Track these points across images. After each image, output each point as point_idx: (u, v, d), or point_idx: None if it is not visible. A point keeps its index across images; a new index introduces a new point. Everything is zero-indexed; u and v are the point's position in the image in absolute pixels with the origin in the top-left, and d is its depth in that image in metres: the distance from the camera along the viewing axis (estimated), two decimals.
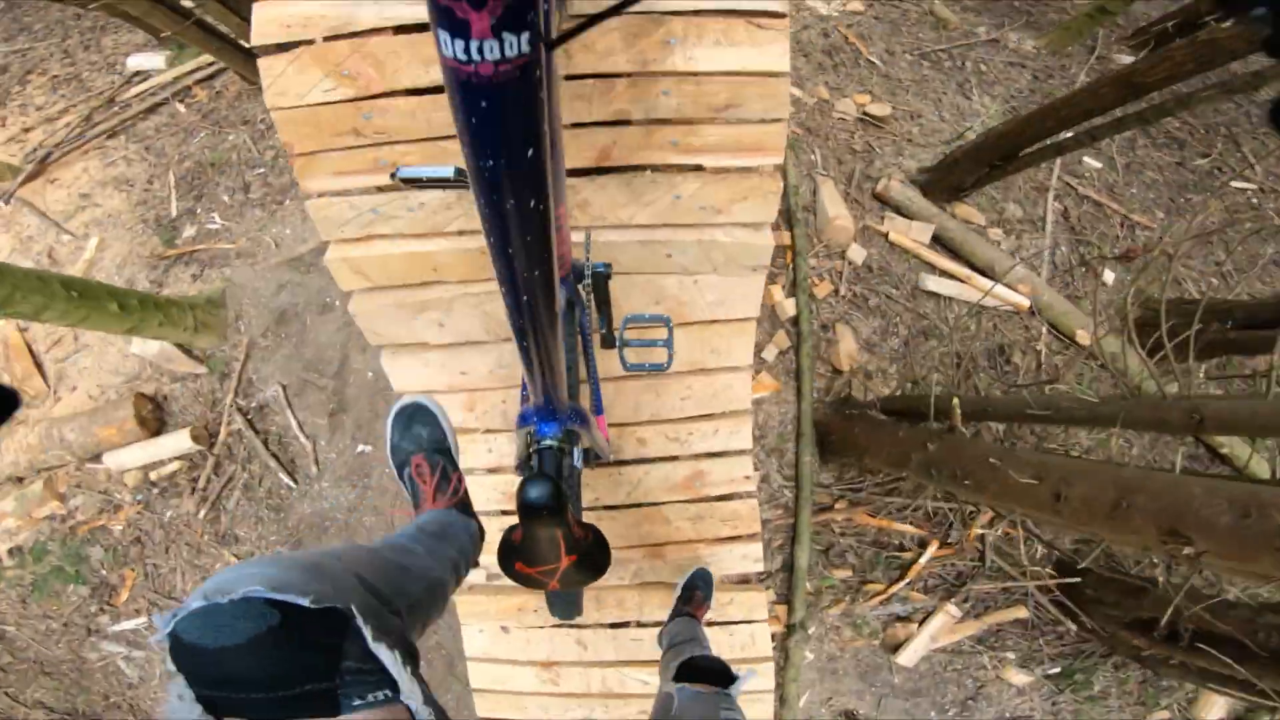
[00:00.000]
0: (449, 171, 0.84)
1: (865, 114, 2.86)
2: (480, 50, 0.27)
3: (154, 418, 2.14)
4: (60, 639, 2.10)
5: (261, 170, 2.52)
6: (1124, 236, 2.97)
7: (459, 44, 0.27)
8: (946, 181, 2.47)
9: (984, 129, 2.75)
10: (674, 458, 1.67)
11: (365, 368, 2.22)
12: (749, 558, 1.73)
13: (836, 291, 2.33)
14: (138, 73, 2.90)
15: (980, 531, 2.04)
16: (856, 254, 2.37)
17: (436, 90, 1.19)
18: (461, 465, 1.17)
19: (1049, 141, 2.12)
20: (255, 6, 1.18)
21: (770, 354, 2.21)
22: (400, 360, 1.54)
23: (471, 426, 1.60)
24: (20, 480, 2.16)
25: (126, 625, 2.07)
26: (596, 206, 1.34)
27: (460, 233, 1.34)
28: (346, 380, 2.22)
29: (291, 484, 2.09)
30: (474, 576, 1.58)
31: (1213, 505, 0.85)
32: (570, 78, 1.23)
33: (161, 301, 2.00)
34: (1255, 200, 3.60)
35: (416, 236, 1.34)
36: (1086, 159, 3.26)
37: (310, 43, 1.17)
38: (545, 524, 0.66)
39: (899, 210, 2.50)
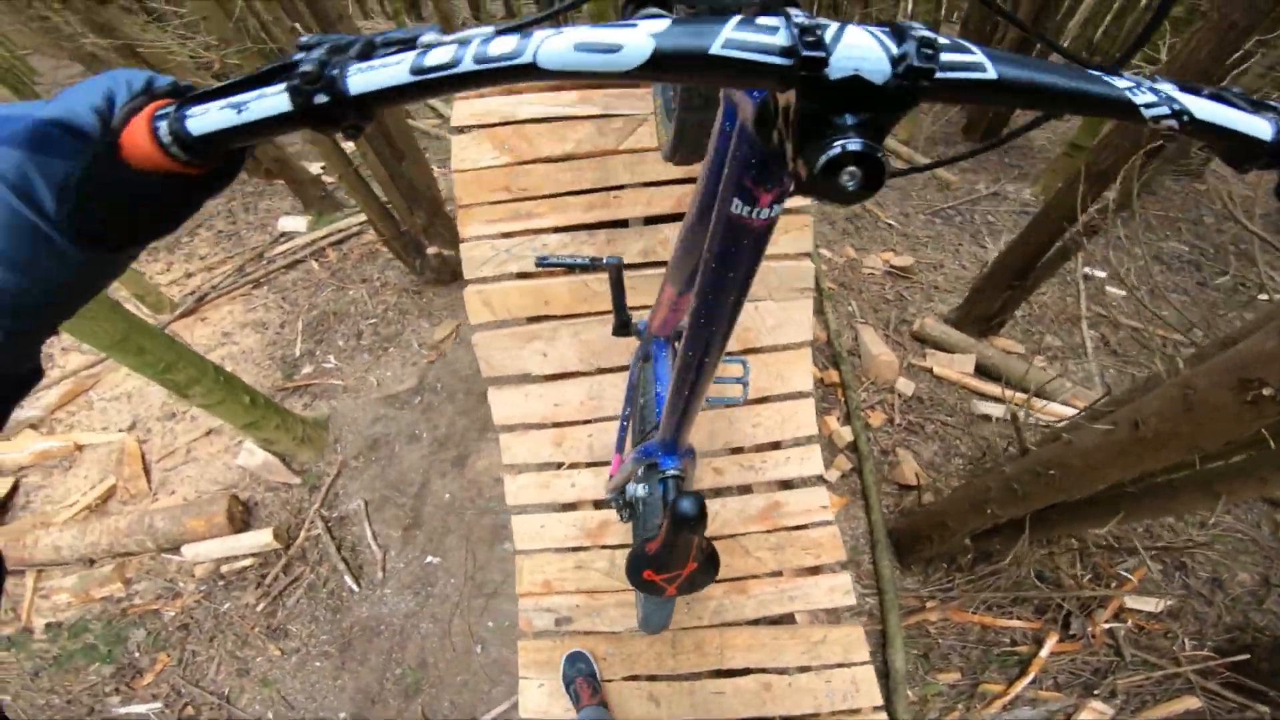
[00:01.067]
0: (584, 260, 1.11)
1: (892, 267, 3.19)
2: (758, 214, 0.46)
3: (241, 517, 2.31)
4: (55, 716, 2.01)
5: (373, 321, 2.93)
6: (1171, 353, 3.04)
7: (746, 208, 0.45)
8: (975, 312, 2.67)
9: (993, 260, 2.99)
10: (749, 487, 1.70)
11: (443, 490, 2.40)
12: (837, 590, 1.61)
13: (891, 421, 2.45)
14: (284, 233, 3.51)
15: (1108, 626, 1.93)
16: (905, 386, 2.53)
17: (564, 159, 1.61)
18: (542, 501, 1.62)
19: (1054, 248, 2.32)
20: (455, 104, 1.67)
21: (833, 476, 2.29)
22: (503, 394, 1.69)
23: (558, 460, 1.68)
24: (92, 562, 2.26)
25: (134, 709, 1.98)
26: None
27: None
28: (424, 500, 2.38)
29: (355, 587, 2.17)
30: (540, 620, 1.58)
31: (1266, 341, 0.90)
32: (655, 150, 1.59)
33: (282, 410, 2.31)
34: None
35: (535, 274, 1.63)
36: (1110, 289, 3.46)
37: (487, 127, 1.62)
38: (691, 532, 0.76)
39: (938, 346, 2.69)
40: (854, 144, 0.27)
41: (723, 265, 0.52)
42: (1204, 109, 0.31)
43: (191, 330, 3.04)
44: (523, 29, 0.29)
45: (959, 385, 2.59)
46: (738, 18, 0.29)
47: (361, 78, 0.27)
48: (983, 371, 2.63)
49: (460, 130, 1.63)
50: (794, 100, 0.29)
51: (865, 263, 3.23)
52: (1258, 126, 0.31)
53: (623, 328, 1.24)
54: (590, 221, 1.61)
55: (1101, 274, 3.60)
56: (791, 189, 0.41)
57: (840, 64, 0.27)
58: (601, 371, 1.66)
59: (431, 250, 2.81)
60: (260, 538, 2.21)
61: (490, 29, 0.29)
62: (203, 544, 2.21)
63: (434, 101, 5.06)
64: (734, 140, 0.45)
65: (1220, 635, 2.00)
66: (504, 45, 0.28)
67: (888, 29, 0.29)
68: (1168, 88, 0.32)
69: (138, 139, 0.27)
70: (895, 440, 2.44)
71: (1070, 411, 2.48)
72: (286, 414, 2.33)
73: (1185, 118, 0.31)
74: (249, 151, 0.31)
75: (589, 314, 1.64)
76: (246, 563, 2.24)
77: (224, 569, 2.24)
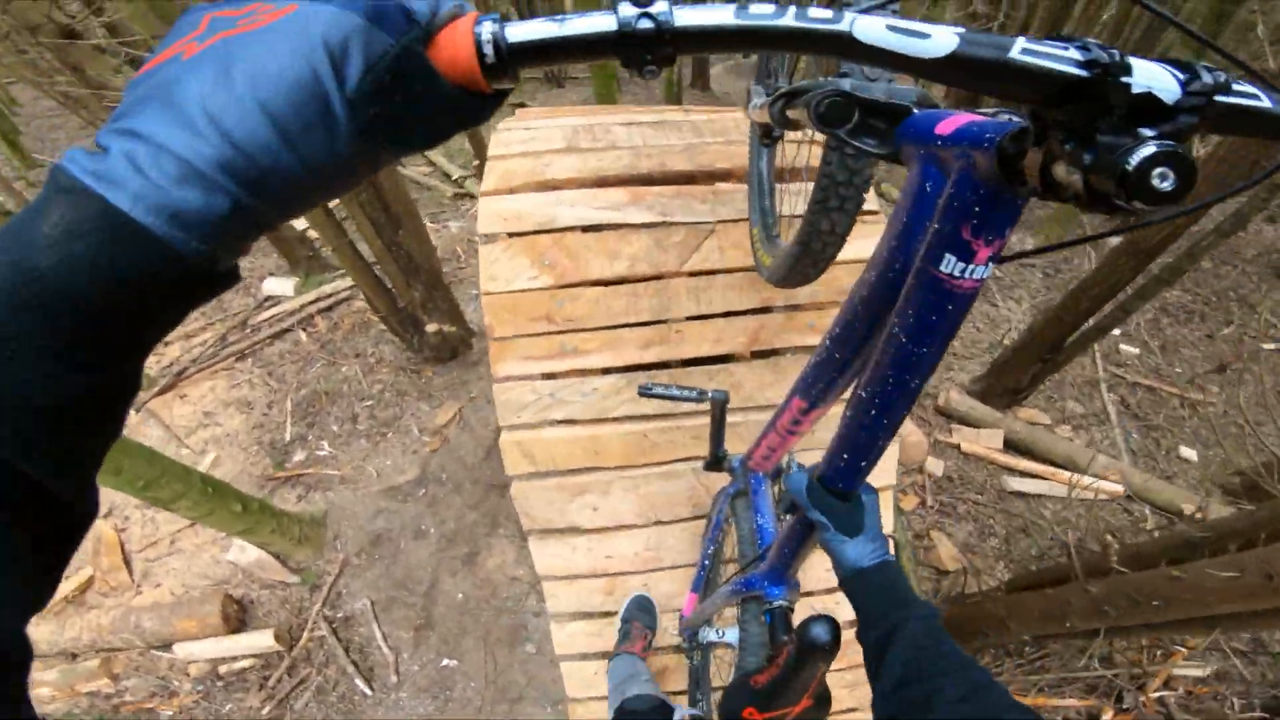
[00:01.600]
0: (692, 394, 1.08)
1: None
2: (972, 272, 0.42)
3: (236, 616, 2.21)
4: None
5: (369, 403, 2.83)
6: (1187, 416, 3.11)
7: (959, 265, 0.41)
8: (1002, 384, 2.69)
9: (1023, 332, 3.04)
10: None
11: (455, 589, 2.30)
12: None
13: (923, 503, 2.44)
14: (269, 297, 3.39)
15: (1158, 694, 1.95)
16: (934, 466, 2.51)
17: (617, 282, 1.45)
18: (595, 650, 1.51)
19: (1090, 323, 2.36)
20: (481, 201, 1.51)
21: None
22: (547, 545, 1.57)
23: (610, 610, 1.59)
24: (74, 656, 2.17)
25: None
26: (748, 388, 1.51)
27: (626, 418, 1.46)
28: (435, 600, 2.28)
29: (368, 691, 2.08)
30: None
31: None
32: (722, 271, 1.48)
33: (277, 511, 2.19)
34: None
35: (585, 422, 1.46)
36: (1124, 346, 3.54)
37: (523, 235, 1.46)
38: (823, 660, 0.70)
39: (964, 421, 2.69)
40: (1166, 145, 0.29)
41: (916, 340, 0.48)
42: None
43: (170, 409, 2.91)
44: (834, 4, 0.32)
45: (988, 461, 2.60)
46: (1023, 40, 0.32)
47: (687, 14, 0.30)
48: (1011, 445, 2.65)
49: (489, 239, 1.50)
50: (1078, 116, 0.32)
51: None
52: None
53: (716, 462, 1.24)
54: (649, 361, 1.47)
55: (1115, 330, 3.69)
56: (1001, 246, 0.42)
57: (1136, 82, 0.30)
58: (660, 524, 1.56)
59: (431, 328, 2.73)
60: (261, 639, 2.13)
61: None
62: (197, 643, 2.13)
63: (433, 154, 5.06)
64: (948, 193, 0.44)
65: (1265, 693, 2.03)
66: (822, 13, 0.31)
67: (1175, 63, 0.32)
68: None
69: (456, 38, 0.28)
70: (929, 523, 2.42)
71: (1111, 486, 2.50)
72: (281, 516, 2.22)
73: None
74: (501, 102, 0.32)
75: (647, 465, 1.50)
76: (246, 663, 2.15)
77: (222, 669, 2.15)
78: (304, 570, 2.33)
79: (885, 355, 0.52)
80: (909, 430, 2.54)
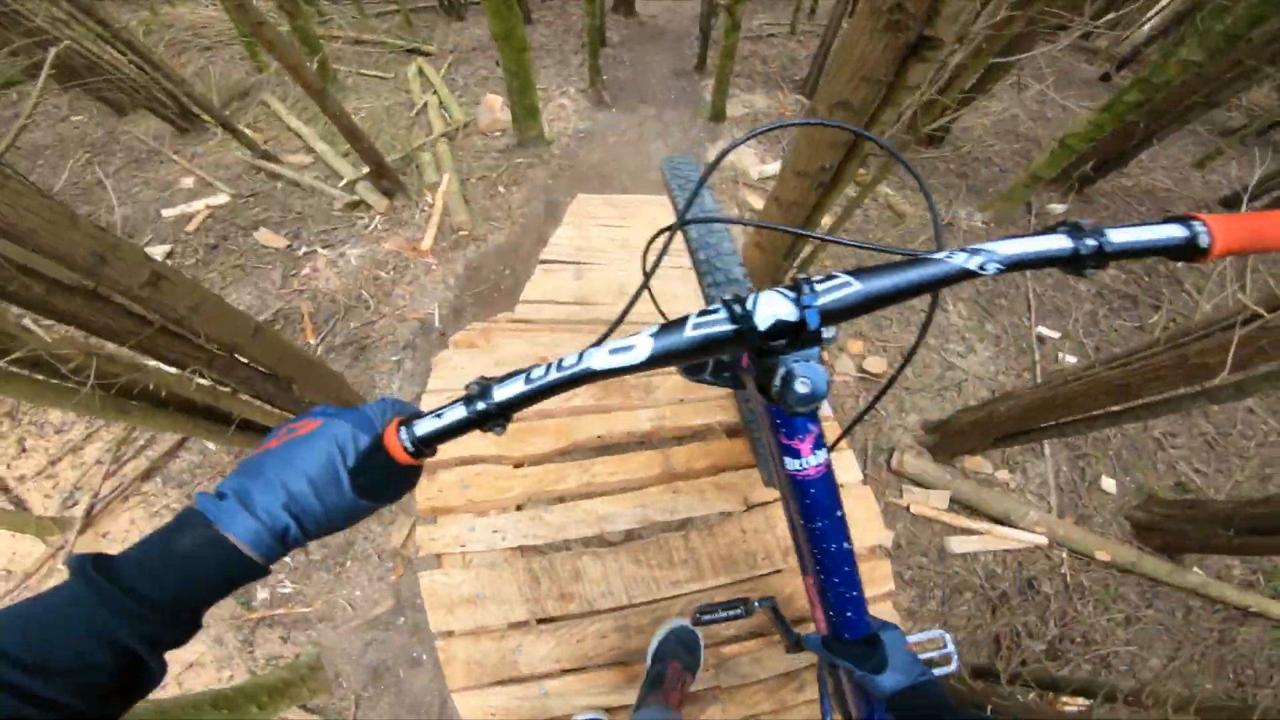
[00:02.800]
0: (740, 610, 1.28)
1: (863, 370, 3.49)
2: (806, 463, 0.62)
3: None
4: None
5: None
6: (1112, 435, 3.61)
7: (797, 463, 0.62)
8: (955, 447, 3.06)
9: (982, 409, 3.04)
10: None
11: None
12: None
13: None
14: None
15: None
16: (885, 538, 2.89)
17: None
18: None
19: (1052, 423, 2.67)
20: (422, 581, 1.61)
21: None
22: None
23: None
24: None
25: None
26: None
27: None
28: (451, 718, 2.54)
29: None
30: None
31: None
32: None
33: (283, 685, 2.35)
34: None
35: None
36: (1062, 354, 3.97)
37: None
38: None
39: (916, 482, 3.06)
40: (798, 358, 0.50)
41: (811, 519, 0.68)
42: (1009, 249, 0.54)
43: (99, 549, 2.84)
44: (580, 356, 0.54)
45: (934, 520, 3.01)
46: (693, 317, 0.53)
47: (502, 392, 0.53)
48: (955, 502, 3.06)
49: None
50: (753, 355, 0.53)
51: (837, 366, 3.51)
52: (1051, 244, 0.54)
53: (795, 645, 1.38)
54: None
55: (1055, 334, 4.10)
56: (818, 434, 0.64)
57: (761, 319, 0.51)
58: None
59: None
60: None
61: (558, 361, 0.54)
62: None
63: (318, 145, 4.60)
64: (760, 422, 0.68)
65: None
66: (570, 362, 0.53)
67: (790, 285, 0.53)
68: (994, 247, 0.54)
69: (391, 437, 0.52)
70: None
71: (1036, 539, 2.99)
72: (288, 686, 2.36)
73: (1001, 264, 0.54)
74: (422, 470, 0.57)
75: None
76: None
77: None
78: (325, 709, 2.53)
79: (804, 537, 0.71)
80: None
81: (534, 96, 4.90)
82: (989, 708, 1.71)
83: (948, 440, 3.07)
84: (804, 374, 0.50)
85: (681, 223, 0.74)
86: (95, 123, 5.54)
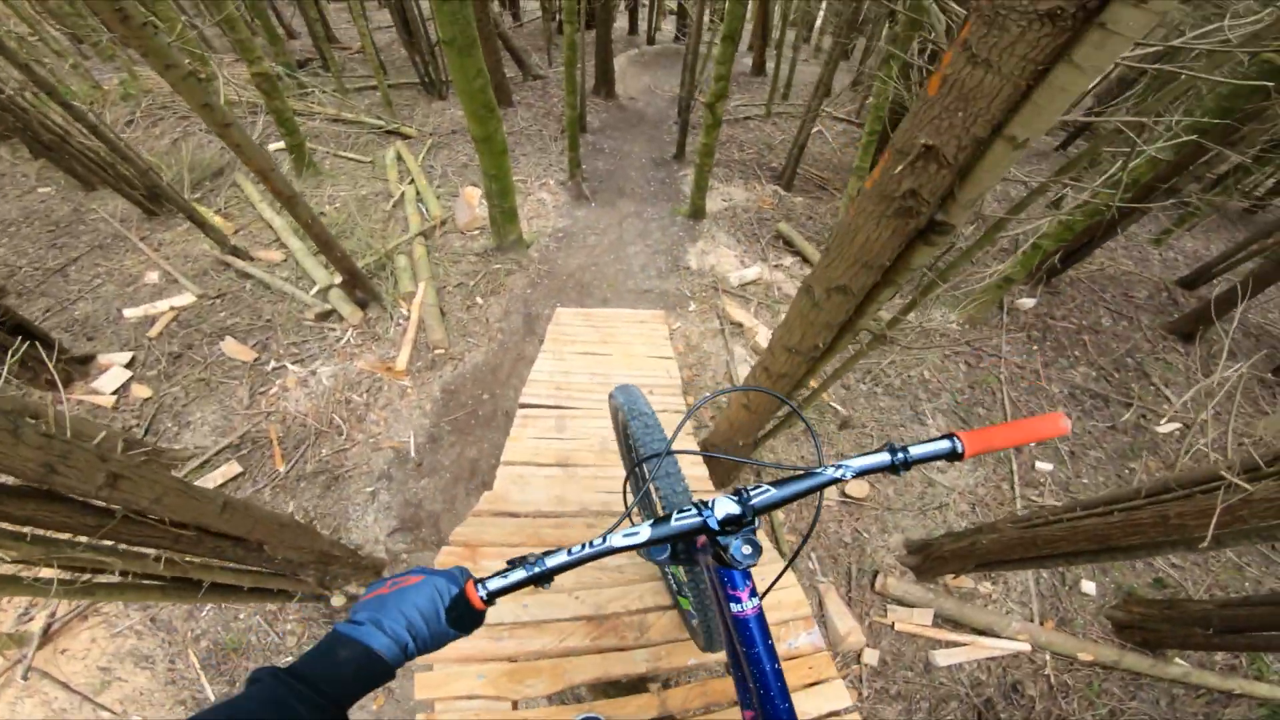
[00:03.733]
0: None
1: (845, 496, 3.74)
2: (748, 605, 0.91)
3: None
4: None
5: (289, 659, 2.95)
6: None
7: (739, 606, 0.92)
8: (939, 570, 3.28)
9: (965, 538, 3.19)
10: None
11: None
12: None
13: (860, 695, 3.00)
14: None
15: None
16: (871, 657, 3.08)
17: None
18: None
19: (1032, 557, 2.90)
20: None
21: None
22: None
23: None
24: None
25: None
26: None
27: None
28: None
29: None
30: None
31: None
32: None
33: None
34: (1180, 441, 4.72)
35: None
36: (1040, 464, 4.27)
37: None
38: None
39: (899, 602, 3.27)
40: (742, 535, 0.90)
41: (750, 646, 0.94)
42: (858, 464, 0.98)
43: (59, 666, 2.90)
44: (604, 538, 0.89)
45: (919, 636, 3.21)
46: (676, 513, 0.94)
47: (551, 560, 0.87)
48: (939, 617, 3.27)
49: None
50: (711, 535, 0.92)
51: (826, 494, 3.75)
52: (881, 459, 0.98)
53: None
54: None
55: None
56: (752, 587, 0.94)
57: (717, 515, 0.92)
58: None
59: (337, 600, 2.93)
60: None
61: (589, 541, 0.90)
62: None
63: (292, 244, 4.79)
64: (710, 582, 1.03)
65: None
66: (597, 542, 0.89)
67: (736, 492, 0.94)
68: (849, 462, 0.98)
69: (470, 591, 0.83)
70: (865, 713, 2.97)
71: (1019, 646, 3.19)
72: None
73: (855, 472, 0.97)
74: (486, 614, 0.86)
75: None
76: None
77: None
78: None
79: (746, 661, 0.95)
80: (848, 628, 3.07)
81: (513, 200, 5.21)
82: None
83: (931, 564, 3.29)
84: (748, 542, 0.89)
85: (668, 451, 1.18)
86: (62, 197, 5.68)
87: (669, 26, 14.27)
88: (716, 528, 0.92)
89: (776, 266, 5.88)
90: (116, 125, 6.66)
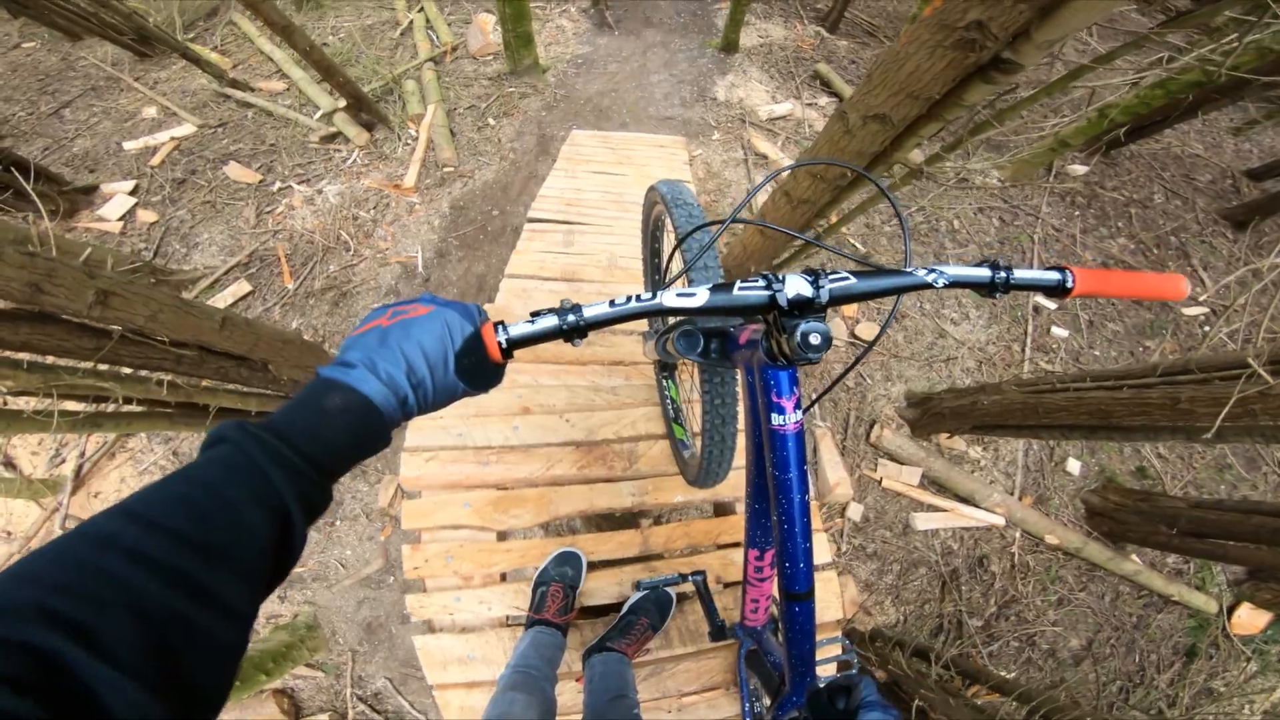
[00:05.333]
0: (675, 579, 1.70)
1: (854, 336, 3.66)
2: (790, 419, 0.86)
3: (292, 709, 2.77)
4: None
5: None
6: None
7: (780, 418, 0.86)
8: (935, 427, 3.28)
9: (966, 395, 3.12)
10: None
11: None
12: None
13: (839, 550, 3.12)
14: None
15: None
16: (855, 511, 3.15)
17: None
18: None
19: (1029, 425, 2.87)
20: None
21: None
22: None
23: None
24: None
25: None
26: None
27: None
28: None
29: None
30: None
31: None
32: None
33: (285, 649, 2.63)
34: (1207, 327, 4.56)
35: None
36: (1055, 329, 4.14)
37: None
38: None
39: (891, 457, 3.30)
40: (811, 323, 0.74)
41: (784, 469, 0.89)
42: (953, 272, 0.82)
43: (93, 510, 3.02)
44: (655, 294, 0.75)
45: (902, 495, 3.28)
46: (739, 282, 0.77)
47: (590, 311, 0.72)
48: (925, 478, 3.32)
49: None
50: (775, 316, 0.78)
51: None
52: (980, 273, 0.83)
53: (719, 632, 1.68)
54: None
55: (1051, 305, 4.25)
56: (799, 397, 0.88)
57: (787, 292, 0.76)
58: None
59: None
60: None
61: (636, 295, 0.75)
62: None
63: (293, 72, 4.54)
64: (755, 380, 0.92)
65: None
66: (647, 297, 0.74)
67: (809, 271, 0.77)
68: (943, 268, 0.82)
69: (488, 332, 0.67)
70: (840, 567, 3.11)
71: (993, 519, 3.26)
72: (291, 649, 2.64)
73: (949, 281, 0.82)
74: (505, 370, 0.72)
75: None
76: None
77: None
78: (324, 665, 2.83)
79: (774, 486, 0.91)
80: (837, 478, 3.14)
81: (528, 25, 4.77)
82: (914, 704, 1.98)
83: (928, 420, 3.28)
84: (818, 330, 0.72)
85: (732, 219, 0.95)
86: (49, 49, 5.38)
87: None
88: (785, 306, 0.76)
89: (810, 105, 5.43)
90: None
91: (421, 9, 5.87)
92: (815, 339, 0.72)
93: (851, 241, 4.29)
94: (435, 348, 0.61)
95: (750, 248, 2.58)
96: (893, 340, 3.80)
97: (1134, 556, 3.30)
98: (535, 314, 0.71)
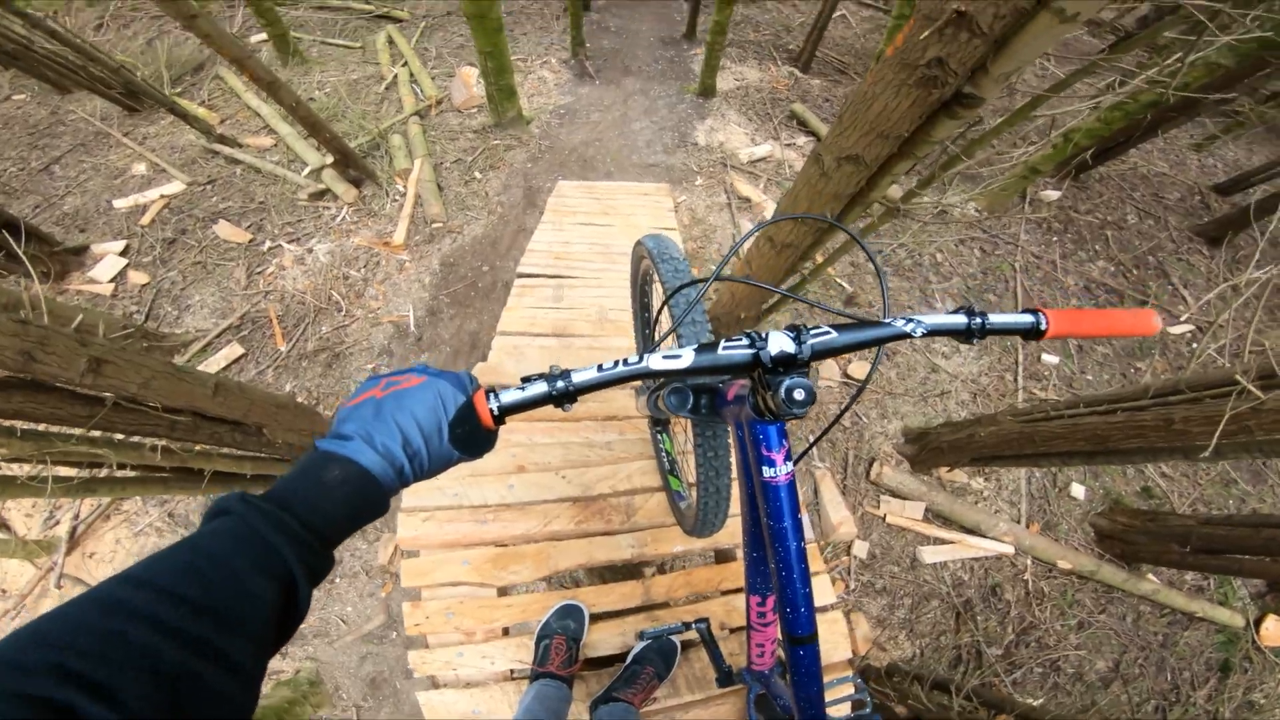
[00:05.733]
0: (679, 625, 1.70)
1: (847, 376, 3.69)
2: (780, 471, 0.88)
3: None
4: None
5: None
6: None
7: (772, 470, 0.87)
8: (934, 462, 3.28)
9: (962, 430, 3.12)
10: None
11: None
12: None
13: (848, 588, 3.09)
14: None
15: None
16: (861, 549, 3.13)
17: None
18: None
19: (1027, 454, 2.88)
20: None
21: None
22: None
23: None
24: None
25: None
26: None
27: None
28: None
29: None
30: None
31: None
32: None
33: (288, 705, 2.56)
34: (1195, 344, 4.63)
35: None
36: (1045, 356, 4.20)
37: None
38: None
39: (893, 493, 3.30)
40: (794, 379, 0.75)
41: (778, 519, 0.91)
42: (931, 320, 0.83)
43: (88, 570, 3.01)
44: (641, 358, 0.76)
45: (908, 530, 3.26)
46: (724, 341, 0.79)
47: (579, 376, 0.73)
48: (929, 512, 3.31)
49: None
50: (761, 373, 0.79)
51: (821, 371, 3.71)
52: (956, 320, 0.84)
53: (726, 678, 1.67)
54: None
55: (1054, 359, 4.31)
56: (789, 449, 0.89)
57: (771, 350, 0.77)
58: None
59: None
60: None
61: (624, 359, 0.77)
62: None
63: (279, 127, 4.58)
64: (744, 436, 0.93)
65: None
66: (633, 360, 0.76)
67: (791, 328, 0.79)
68: (921, 318, 0.83)
69: (479, 401, 0.68)
70: (851, 604, 3.07)
71: (1003, 548, 3.25)
72: (295, 704, 2.57)
73: (926, 330, 0.83)
74: (498, 436, 0.73)
75: None
76: None
77: None
78: None
79: (770, 535, 0.92)
80: (840, 517, 3.12)
81: (511, 78, 4.89)
82: None
83: (926, 455, 3.29)
84: (801, 386, 0.74)
85: (715, 277, 0.97)
86: (38, 102, 5.45)
87: None
88: (769, 363, 0.78)
89: (789, 145, 5.57)
90: (85, 30, 6.30)
91: (405, 64, 6.00)
92: (800, 394, 0.74)
93: (839, 281, 4.36)
94: (429, 418, 0.63)
95: (739, 295, 2.61)
96: (886, 378, 3.83)
97: (1150, 576, 3.29)
98: (526, 379, 0.73)
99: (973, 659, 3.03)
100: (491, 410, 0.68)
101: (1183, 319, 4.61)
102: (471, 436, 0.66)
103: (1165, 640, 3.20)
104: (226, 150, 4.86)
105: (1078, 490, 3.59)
